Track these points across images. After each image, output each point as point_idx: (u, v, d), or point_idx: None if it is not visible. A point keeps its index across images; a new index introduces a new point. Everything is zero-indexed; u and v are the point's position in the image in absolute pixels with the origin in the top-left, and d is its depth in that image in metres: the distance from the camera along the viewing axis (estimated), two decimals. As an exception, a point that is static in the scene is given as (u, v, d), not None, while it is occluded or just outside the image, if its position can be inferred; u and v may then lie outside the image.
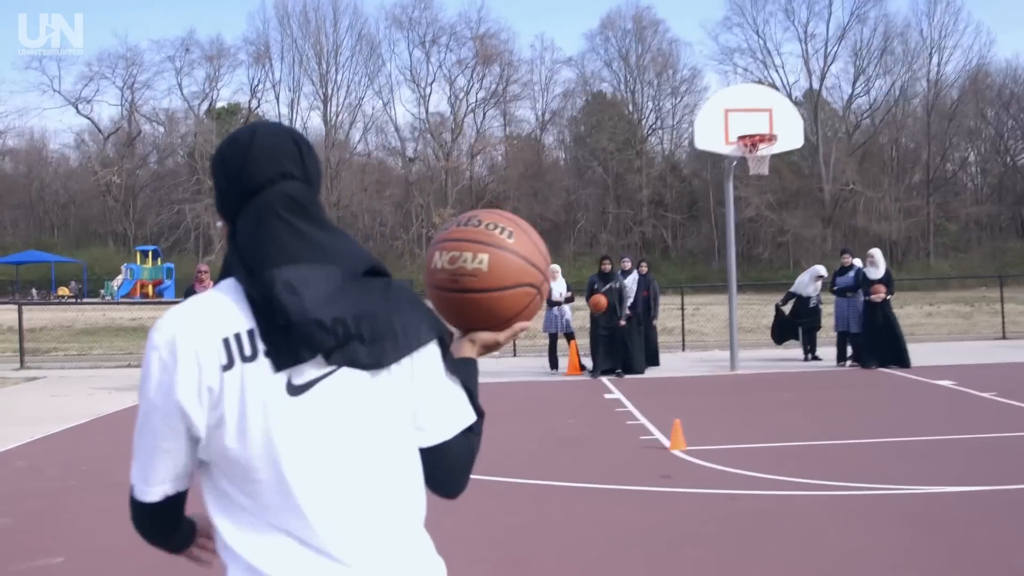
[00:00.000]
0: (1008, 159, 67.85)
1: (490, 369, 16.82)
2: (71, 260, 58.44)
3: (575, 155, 67.23)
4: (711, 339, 22.35)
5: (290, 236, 1.61)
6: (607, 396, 12.93)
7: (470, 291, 1.83)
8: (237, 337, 1.56)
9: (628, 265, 15.76)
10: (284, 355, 1.56)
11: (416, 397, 1.68)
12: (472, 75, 66.06)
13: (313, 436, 1.57)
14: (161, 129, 69.45)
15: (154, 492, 1.64)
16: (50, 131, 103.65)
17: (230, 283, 1.62)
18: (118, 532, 3.41)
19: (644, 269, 16.00)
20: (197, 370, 1.55)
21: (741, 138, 14.30)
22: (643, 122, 68.02)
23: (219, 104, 68.95)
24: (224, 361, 1.55)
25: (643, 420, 10.64)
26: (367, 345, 1.60)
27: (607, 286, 15.01)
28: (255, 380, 1.55)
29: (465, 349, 1.88)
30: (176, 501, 1.68)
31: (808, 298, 17.00)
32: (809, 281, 17.18)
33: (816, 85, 65.83)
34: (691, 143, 68.81)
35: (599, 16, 69.43)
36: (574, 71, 68.37)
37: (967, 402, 11.59)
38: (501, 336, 1.90)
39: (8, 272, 58.29)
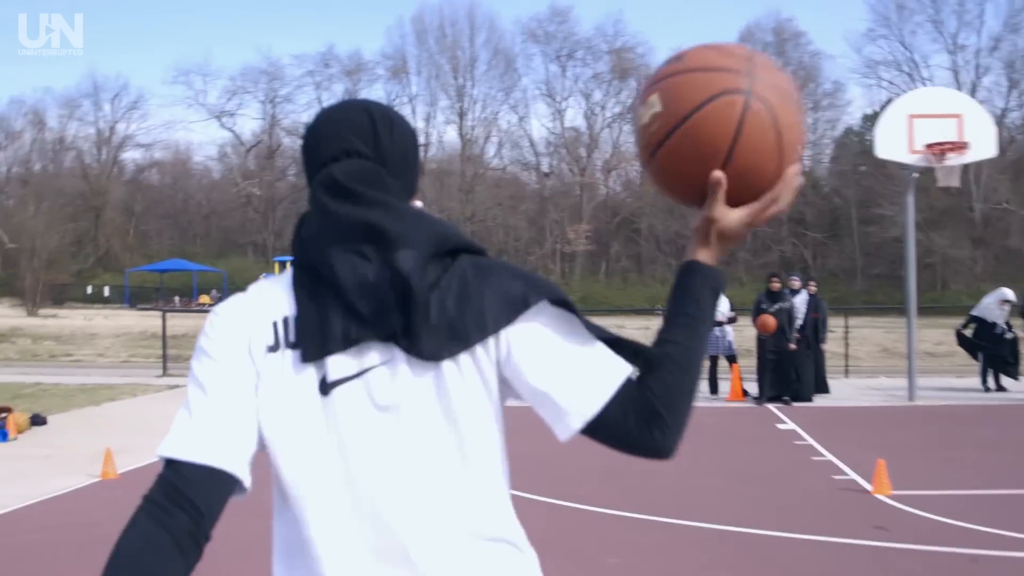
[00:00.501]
0: None
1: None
2: (212, 269, 59.71)
3: (712, 171, 65.56)
4: (865, 364, 21.00)
5: (323, 219, 1.48)
6: (780, 426, 11.92)
7: (659, 145, 1.48)
8: (285, 321, 1.47)
9: (797, 284, 14.67)
10: (309, 346, 1.44)
11: (523, 379, 1.45)
12: (608, 89, 65.21)
13: (342, 440, 1.44)
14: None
15: (187, 419, 1.46)
16: (195, 144, 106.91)
17: (289, 270, 1.53)
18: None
19: (813, 289, 14.89)
20: (248, 341, 1.46)
21: (929, 146, 13.07)
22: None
23: (357, 118, 69.53)
24: (271, 342, 1.46)
25: (829, 456, 9.63)
26: (417, 336, 1.41)
27: (776, 306, 13.99)
28: (292, 369, 1.45)
29: (696, 248, 1.54)
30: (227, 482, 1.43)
31: (993, 324, 15.58)
32: (995, 305, 15.78)
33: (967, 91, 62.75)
34: (832, 159, 67.21)
35: (738, 29, 67.22)
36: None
37: None
38: (739, 214, 1.50)
39: (153, 279, 59.96)
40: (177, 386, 16.52)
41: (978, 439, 10.92)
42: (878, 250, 61.85)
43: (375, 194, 1.48)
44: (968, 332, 15.99)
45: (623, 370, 1.45)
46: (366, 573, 1.43)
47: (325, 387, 1.44)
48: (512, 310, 1.44)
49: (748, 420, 12.63)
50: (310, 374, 1.44)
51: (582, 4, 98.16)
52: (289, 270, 1.53)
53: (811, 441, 10.59)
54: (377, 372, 1.44)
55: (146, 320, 30.49)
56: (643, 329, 30.43)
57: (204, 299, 54.45)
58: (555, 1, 68.70)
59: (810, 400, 14.21)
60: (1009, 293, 15.87)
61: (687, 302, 1.49)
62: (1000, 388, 15.61)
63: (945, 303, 49.55)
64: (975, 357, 16.02)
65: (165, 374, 18.75)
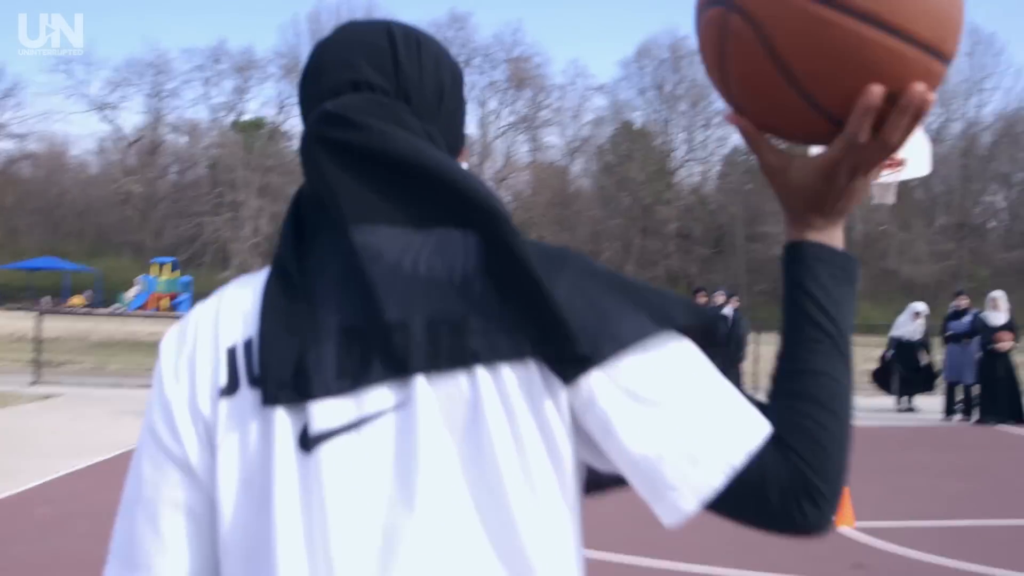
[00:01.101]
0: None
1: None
2: (86, 268, 57.01)
3: (602, 184, 65.83)
4: (766, 383, 20.86)
5: (319, 182, 1.00)
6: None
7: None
8: (248, 347, 0.98)
9: (722, 299, 14.25)
10: (271, 384, 0.95)
11: (615, 438, 0.95)
12: (503, 98, 64.88)
13: (324, 519, 0.92)
14: (185, 139, 68.33)
15: None
16: (72, 136, 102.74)
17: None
18: None
19: (736, 304, 14.47)
20: (191, 389, 0.99)
21: (866, 162, 12.75)
22: (674, 153, 66.78)
23: (245, 117, 67.82)
24: (223, 381, 0.98)
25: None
26: (447, 364, 0.93)
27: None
28: (259, 418, 0.95)
29: (790, 224, 1.10)
30: None
31: (912, 343, 15.47)
32: (908, 320, 15.69)
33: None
34: (720, 176, 68.22)
35: (635, 44, 67.87)
36: (606, 98, 67.24)
37: None
38: (810, 161, 1.02)
39: (21, 278, 56.95)
40: (52, 395, 15.17)
41: (920, 464, 10.59)
42: (762, 267, 63.02)
43: (400, 143, 1.00)
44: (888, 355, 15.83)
45: (761, 427, 0.98)
46: None
47: (306, 441, 0.95)
48: (615, 339, 0.96)
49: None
50: (284, 423, 0.96)
51: (481, 11, 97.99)
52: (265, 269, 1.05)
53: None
54: (385, 421, 0.95)
55: (15, 321, 28.55)
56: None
57: (76, 300, 51.84)
58: (454, 6, 68.14)
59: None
60: (920, 306, 15.82)
61: (810, 305, 1.02)
62: (910, 409, 15.50)
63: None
64: (888, 390, 15.82)
65: (38, 382, 17.29)
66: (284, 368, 0.95)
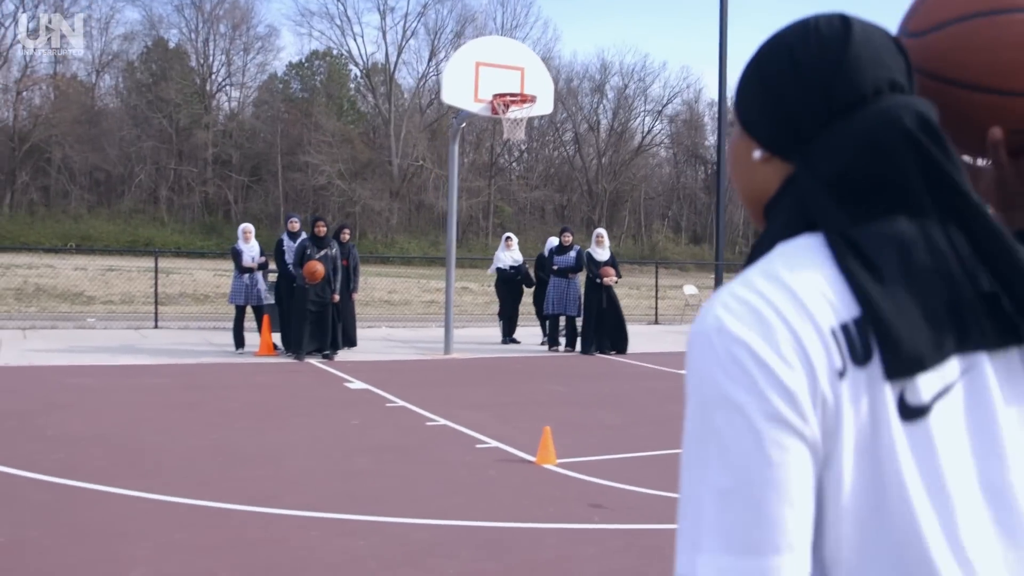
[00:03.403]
0: (553, 150, 72.35)
1: (159, 345, 13.82)
2: None
3: (134, 104, 61.18)
4: (372, 313, 20.71)
5: (927, 172, 1.05)
6: (351, 386, 10.77)
7: None
8: (845, 328, 1.00)
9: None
10: (904, 357, 0.99)
11: None
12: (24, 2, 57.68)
13: (930, 486, 0.99)
14: None
15: (798, 562, 0.96)
16: None
17: (813, 244, 1.06)
18: None
19: (346, 236, 13.78)
20: (808, 373, 0.98)
21: (499, 96, 12.63)
22: (213, 76, 63.70)
23: None
24: (838, 364, 0.99)
25: (445, 421, 8.75)
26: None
27: (322, 252, 12.72)
28: (867, 397, 0.99)
29: None
30: None
31: (509, 270, 15.85)
32: (501, 248, 16.07)
33: (392, 58, 65.55)
34: (258, 103, 66.35)
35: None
36: (139, 12, 62.37)
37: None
38: None
39: None
40: None
41: (565, 397, 10.74)
42: (300, 197, 62.55)
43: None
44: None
45: None
46: None
47: (909, 411, 0.99)
48: None
49: (309, 379, 11.30)
50: (885, 397, 0.99)
51: None
52: (808, 243, 1.06)
53: (404, 403, 9.62)
54: (969, 384, 1.03)
55: None
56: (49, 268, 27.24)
57: None
58: None
59: (340, 349, 13.24)
60: (509, 234, 16.30)
61: None
62: (513, 340, 15.94)
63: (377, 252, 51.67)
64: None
65: None
66: (908, 341, 0.99)
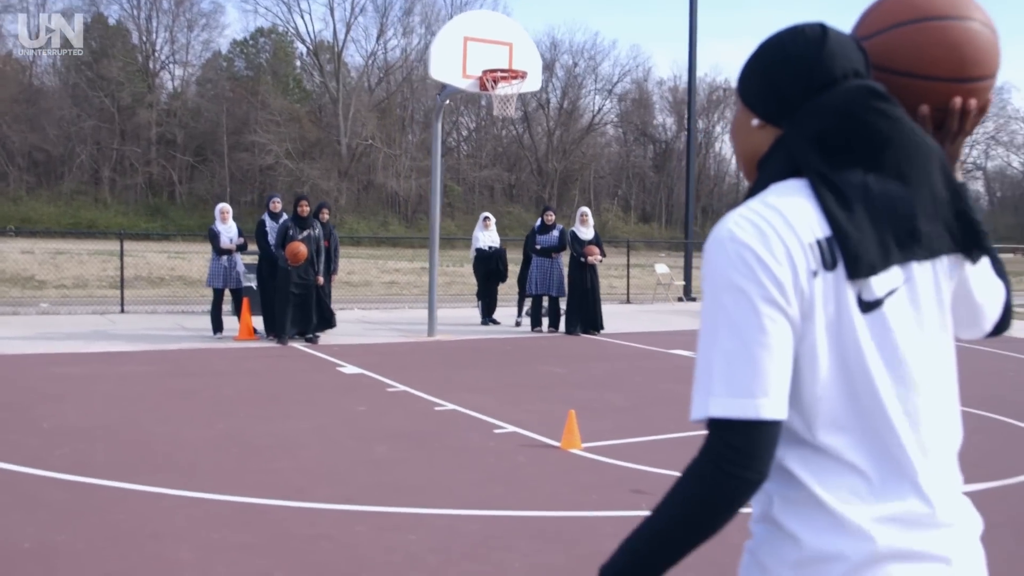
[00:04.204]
0: (502, 128, 71.79)
1: (130, 330, 13.34)
2: None
3: (74, 82, 59.58)
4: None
5: (887, 128, 1.47)
6: (343, 370, 10.44)
7: None
8: (819, 243, 1.42)
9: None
10: (862, 265, 1.41)
11: (968, 291, 1.59)
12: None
13: (885, 358, 1.44)
14: None
15: (782, 405, 1.37)
16: None
17: (797, 185, 1.49)
18: None
19: (325, 216, 13.37)
20: (792, 270, 1.40)
21: (489, 72, 12.28)
22: (156, 54, 62.25)
23: None
24: (813, 267, 1.41)
25: (453, 405, 8.47)
26: (936, 240, 1.48)
27: (304, 233, 12.33)
28: (833, 292, 1.42)
29: None
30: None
31: (488, 250, 15.58)
32: (479, 228, 15.79)
33: (341, 35, 64.57)
34: (202, 81, 64.97)
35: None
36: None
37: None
38: None
39: None
40: None
41: (564, 379, 10.51)
42: (247, 177, 61.51)
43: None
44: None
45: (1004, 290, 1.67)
46: (943, 476, 1.47)
47: (865, 305, 1.43)
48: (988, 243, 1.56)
49: (300, 364, 10.93)
50: (847, 294, 1.42)
51: None
52: (800, 184, 1.48)
53: (408, 388, 9.32)
54: (907, 287, 1.46)
55: None
56: None
57: None
58: None
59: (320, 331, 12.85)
60: (486, 213, 16.06)
61: None
62: (493, 321, 15.68)
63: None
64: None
65: None
66: (864, 254, 1.41)
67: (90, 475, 5.91)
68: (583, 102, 74.24)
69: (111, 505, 5.37)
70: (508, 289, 16.61)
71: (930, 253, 1.46)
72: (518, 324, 15.45)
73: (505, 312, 16.36)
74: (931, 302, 1.48)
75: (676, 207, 77.02)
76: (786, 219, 1.41)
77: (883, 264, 1.41)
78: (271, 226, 12.76)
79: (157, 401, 8.43)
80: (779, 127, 1.54)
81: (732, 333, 1.37)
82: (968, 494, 1.52)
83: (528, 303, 15.44)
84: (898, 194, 1.45)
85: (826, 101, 1.49)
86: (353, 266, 28.26)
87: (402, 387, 9.34)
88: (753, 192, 1.52)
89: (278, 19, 63.95)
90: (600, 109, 74.56)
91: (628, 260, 21.94)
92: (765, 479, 1.36)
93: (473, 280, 16.11)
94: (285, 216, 12.68)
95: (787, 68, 1.52)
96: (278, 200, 13.32)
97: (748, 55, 1.60)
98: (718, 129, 78.15)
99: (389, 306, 19.06)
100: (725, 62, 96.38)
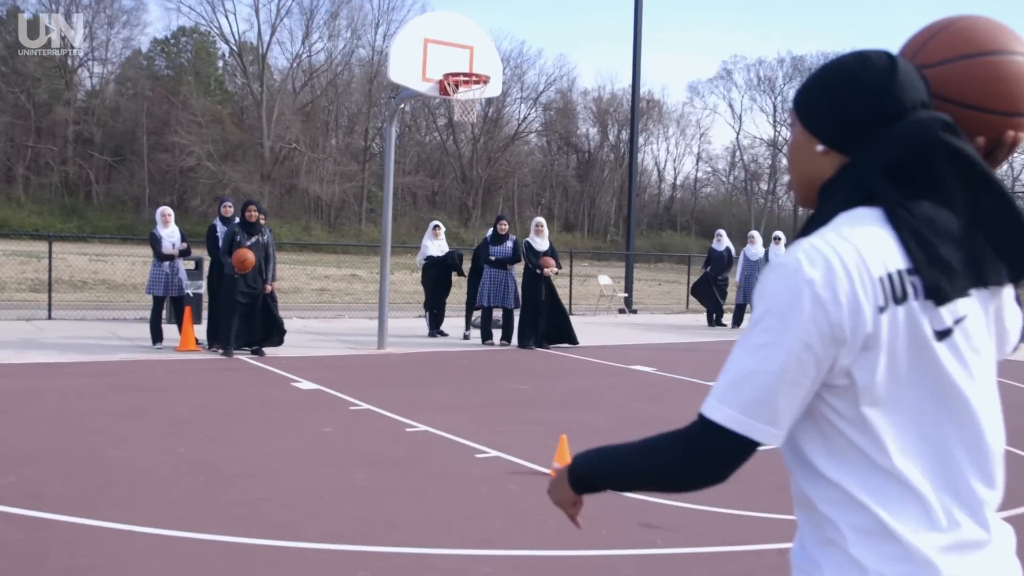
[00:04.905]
0: (426, 135, 71.25)
1: (61, 338, 12.57)
2: None
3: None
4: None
5: (958, 161, 1.50)
6: (299, 385, 9.87)
7: None
8: (890, 277, 1.45)
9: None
10: (942, 293, 1.45)
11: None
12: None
13: (956, 382, 1.48)
14: None
15: (780, 436, 1.48)
16: None
17: (870, 214, 1.51)
18: None
19: (255, 217, 12.42)
20: (853, 311, 1.43)
21: (450, 76, 11.79)
22: (74, 50, 60.24)
23: None
24: (881, 302, 1.44)
25: (424, 426, 8.00)
26: (995, 270, 1.52)
27: (253, 239, 11.72)
28: (904, 325, 1.45)
29: None
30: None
31: (438, 258, 15.11)
32: (428, 237, 15.30)
33: (266, 37, 63.32)
34: (122, 80, 63.09)
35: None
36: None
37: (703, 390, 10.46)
38: None
39: None
40: None
41: (534, 398, 10.08)
42: (166, 178, 59.93)
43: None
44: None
45: None
46: (996, 499, 1.51)
47: (937, 335, 1.46)
48: None
49: (251, 379, 10.32)
50: (921, 324, 1.45)
51: None
52: (873, 213, 1.50)
53: (372, 407, 8.80)
54: (971, 318, 1.49)
55: None
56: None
57: None
58: None
59: (271, 345, 12.19)
60: (437, 221, 15.55)
61: None
62: (441, 333, 15.22)
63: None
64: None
65: None
66: (944, 283, 1.45)
67: (46, 509, 5.31)
68: (508, 110, 73.99)
69: (76, 546, 4.79)
70: (454, 300, 16.13)
71: (994, 282, 1.51)
72: (466, 337, 14.99)
73: (452, 324, 15.87)
74: (984, 329, 1.51)
75: (599, 216, 77.31)
76: (860, 253, 1.44)
77: (959, 292, 1.46)
78: (222, 231, 12.10)
79: (105, 420, 7.79)
80: (845, 154, 1.55)
81: (756, 355, 1.44)
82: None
83: (477, 315, 14.98)
84: (964, 225, 1.48)
85: (899, 131, 1.50)
86: (280, 272, 27.44)
87: (365, 405, 8.83)
88: (819, 217, 1.53)
89: (201, 18, 62.33)
90: (525, 118, 74.40)
91: (571, 271, 21.61)
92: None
93: (413, 290, 15.59)
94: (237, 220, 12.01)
95: (859, 96, 1.53)
96: (230, 204, 12.67)
97: (809, 80, 1.60)
98: (640, 140, 78.61)
99: (326, 315, 18.42)
100: (648, 74, 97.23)
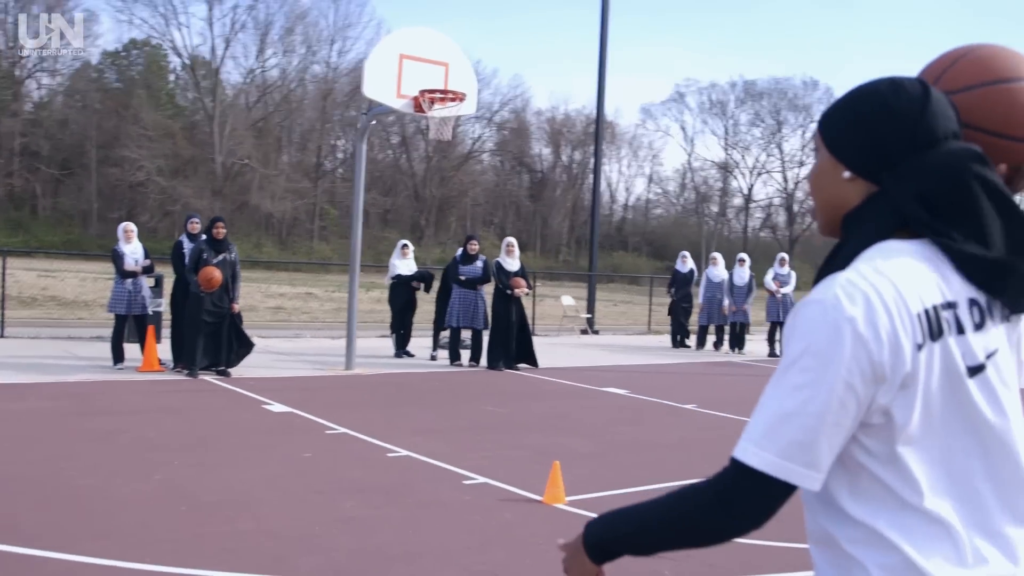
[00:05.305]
0: (379, 152, 70.88)
1: (14, 358, 12.14)
2: None
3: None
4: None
5: (989, 194, 1.47)
6: (271, 407, 9.58)
7: None
8: (927, 313, 1.41)
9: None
10: (1018, 302, 1.48)
11: None
12: None
13: (988, 418, 1.45)
14: None
15: (820, 479, 1.41)
16: None
17: (905, 247, 1.47)
18: None
19: (222, 234, 12.06)
20: (893, 349, 1.38)
21: (427, 93, 11.59)
22: (23, 61, 59.15)
23: None
24: (919, 340, 1.39)
25: (405, 451, 7.77)
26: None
27: (220, 257, 11.41)
28: (940, 361, 1.41)
29: None
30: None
31: (407, 278, 14.87)
32: (397, 256, 15.06)
33: (220, 51, 62.62)
34: (70, 92, 61.97)
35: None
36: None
37: (681, 413, 10.38)
38: None
39: None
40: None
41: (504, 418, 9.87)
42: (115, 193, 58.95)
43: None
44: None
45: None
46: (1010, 538, 1.45)
47: (970, 371, 1.43)
48: None
49: (221, 401, 10.00)
50: (956, 361, 1.42)
51: None
52: (900, 245, 1.47)
53: (349, 430, 8.55)
54: (1001, 351, 1.47)
55: None
56: None
57: None
58: None
59: (233, 365, 11.85)
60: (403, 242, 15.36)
61: None
62: (408, 354, 14.95)
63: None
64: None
65: None
66: (983, 317, 1.46)
67: (20, 543, 5.01)
68: (462, 129, 73.90)
69: (59, 583, 4.50)
70: (421, 320, 15.88)
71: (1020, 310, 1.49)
72: (434, 358, 14.76)
73: (418, 344, 15.62)
74: (1011, 361, 1.50)
75: (551, 236, 77.39)
76: (898, 289, 1.40)
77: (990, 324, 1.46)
78: (189, 248, 11.77)
79: (73, 446, 7.46)
80: (873, 182, 1.51)
81: (797, 396, 1.38)
82: None
83: (444, 336, 14.75)
84: (993, 255, 1.45)
85: (932, 161, 1.47)
86: (236, 290, 26.98)
87: (341, 429, 8.57)
88: (848, 248, 1.49)
89: (154, 31, 61.39)
90: (479, 137, 74.38)
91: (534, 291, 21.45)
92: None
93: (370, 309, 15.33)
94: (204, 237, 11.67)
95: (891, 124, 1.49)
96: (197, 221, 12.35)
97: (837, 105, 1.55)
98: (592, 161, 78.87)
99: (285, 334, 18.06)
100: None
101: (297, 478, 6.75)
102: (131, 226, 12.06)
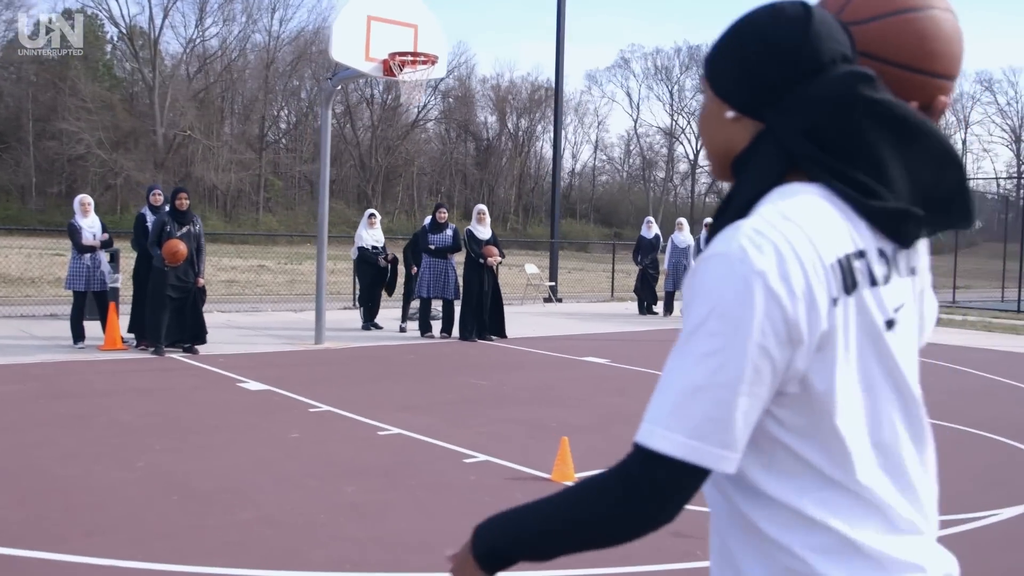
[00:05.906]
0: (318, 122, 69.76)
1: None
2: None
3: None
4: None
5: (882, 118, 1.30)
6: (246, 385, 9.18)
7: None
8: (840, 263, 1.25)
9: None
10: (904, 234, 1.32)
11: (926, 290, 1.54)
12: None
13: (906, 376, 1.34)
14: None
15: (736, 460, 1.23)
16: None
17: (808, 189, 1.31)
18: None
19: (185, 205, 11.56)
20: (809, 305, 1.22)
21: (397, 55, 11.12)
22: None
23: None
24: (834, 293, 1.24)
25: (396, 429, 7.44)
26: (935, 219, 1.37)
27: (184, 230, 10.92)
28: (855, 317, 1.27)
29: None
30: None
31: (371, 250, 14.44)
32: (363, 227, 14.63)
33: (158, 21, 61.04)
34: (4, 64, 60.03)
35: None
36: None
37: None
38: None
39: None
40: None
41: (489, 390, 9.56)
42: (54, 166, 57.47)
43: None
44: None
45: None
46: (925, 485, 1.36)
47: (887, 324, 1.30)
48: None
49: (193, 380, 9.54)
50: (872, 315, 1.28)
51: None
52: (803, 188, 1.30)
53: (333, 408, 8.18)
54: (907, 305, 1.36)
55: None
56: None
57: None
58: None
59: (203, 343, 11.39)
60: (370, 211, 14.97)
61: None
62: (376, 326, 14.58)
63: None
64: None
65: None
66: (903, 223, 1.32)
67: (6, 543, 4.60)
68: (407, 97, 73.01)
69: (52, 587, 4.12)
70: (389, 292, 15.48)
71: (931, 231, 1.37)
72: (403, 330, 14.38)
73: (386, 315, 15.22)
74: (915, 317, 1.41)
75: (498, 204, 76.92)
76: (809, 237, 1.24)
77: (923, 232, 1.34)
78: (152, 221, 11.24)
79: (44, 432, 7.01)
80: (759, 120, 1.36)
81: (704, 366, 1.21)
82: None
83: (414, 306, 14.38)
84: (904, 179, 1.32)
85: (816, 90, 1.31)
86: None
87: (324, 406, 8.21)
88: (739, 196, 1.35)
89: (89, 1, 59.63)
90: (425, 105, 73.52)
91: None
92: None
93: (332, 280, 14.90)
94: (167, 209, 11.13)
95: (769, 53, 1.34)
96: (159, 192, 11.79)
97: (718, 38, 1.41)
98: (539, 128, 78.62)
99: (243, 308, 17.54)
100: (546, 63, 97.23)
101: (289, 461, 6.38)
102: (87, 199, 11.48)
